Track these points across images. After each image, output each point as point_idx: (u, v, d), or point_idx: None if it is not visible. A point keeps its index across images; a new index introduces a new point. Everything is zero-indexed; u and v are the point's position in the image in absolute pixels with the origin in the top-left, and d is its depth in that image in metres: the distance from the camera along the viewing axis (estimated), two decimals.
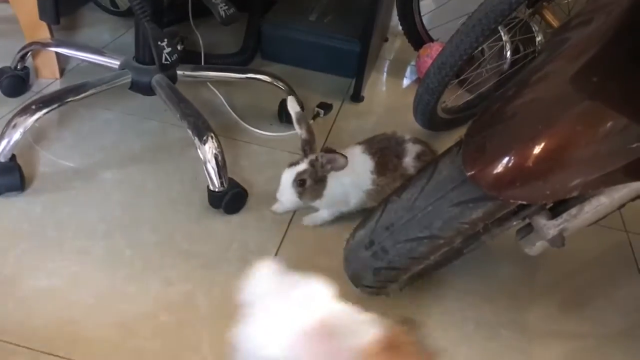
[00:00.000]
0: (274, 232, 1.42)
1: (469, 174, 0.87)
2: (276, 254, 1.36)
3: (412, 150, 1.41)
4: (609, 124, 0.86)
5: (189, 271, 1.27)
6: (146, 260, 1.28)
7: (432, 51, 2.25)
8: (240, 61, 2.12)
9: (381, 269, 1.05)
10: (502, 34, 1.78)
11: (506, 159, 0.85)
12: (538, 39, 1.81)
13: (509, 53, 1.86)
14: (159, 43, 1.33)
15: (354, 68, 2.02)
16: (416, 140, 1.44)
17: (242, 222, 1.43)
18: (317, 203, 1.39)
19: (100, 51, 1.70)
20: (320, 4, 2.34)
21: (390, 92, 2.27)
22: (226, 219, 1.43)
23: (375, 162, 1.37)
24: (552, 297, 1.37)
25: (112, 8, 2.30)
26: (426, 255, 1.00)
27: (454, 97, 1.87)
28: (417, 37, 2.34)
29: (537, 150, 0.84)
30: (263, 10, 2.22)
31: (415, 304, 1.27)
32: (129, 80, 1.56)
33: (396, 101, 2.18)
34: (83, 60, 1.82)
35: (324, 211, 1.44)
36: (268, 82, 1.79)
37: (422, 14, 2.30)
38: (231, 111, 1.85)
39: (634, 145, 0.87)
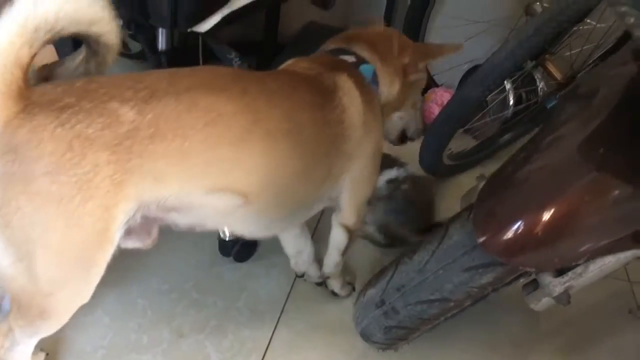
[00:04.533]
0: (284, 280, 1.44)
1: (480, 240, 0.90)
2: (285, 303, 1.38)
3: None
4: (615, 194, 0.89)
5: (200, 321, 1.29)
6: (158, 310, 1.30)
7: (437, 96, 2.28)
8: (259, 53, 2.16)
9: (392, 327, 1.07)
10: (506, 83, 1.83)
11: (516, 226, 0.88)
12: (540, 89, 1.86)
13: (512, 102, 1.90)
14: None
15: None
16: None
17: (251, 270, 1.46)
18: None
19: None
20: None
21: None
22: (236, 267, 1.46)
23: None
24: (555, 343, 1.39)
25: (123, 51, 2.34)
26: (436, 317, 1.02)
27: (458, 144, 1.90)
28: None
29: (546, 218, 0.87)
30: (272, 56, 2.26)
31: (422, 357, 1.29)
32: None
33: None
34: None
35: None
36: None
37: None
38: None
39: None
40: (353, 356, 1.27)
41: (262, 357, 1.26)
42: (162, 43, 1.41)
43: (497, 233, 0.89)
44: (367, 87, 1.15)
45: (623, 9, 0.77)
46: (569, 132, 0.96)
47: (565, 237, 0.88)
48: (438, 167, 1.79)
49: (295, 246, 1.39)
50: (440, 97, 2.30)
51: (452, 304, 1.00)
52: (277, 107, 0.96)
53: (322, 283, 1.43)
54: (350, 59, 1.17)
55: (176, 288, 1.37)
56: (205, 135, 0.86)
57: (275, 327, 1.33)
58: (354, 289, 1.41)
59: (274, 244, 1.50)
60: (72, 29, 0.80)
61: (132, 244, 0.94)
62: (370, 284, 1.13)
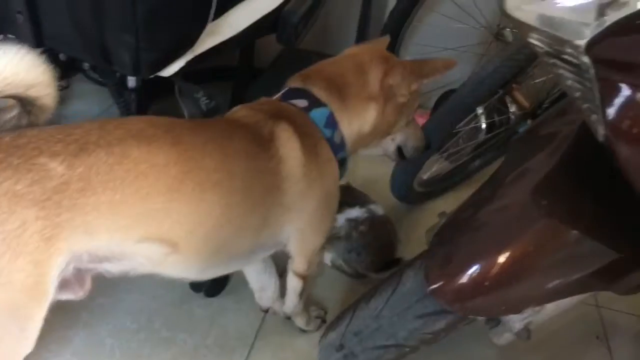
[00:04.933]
0: (254, 315, 1.46)
1: (429, 289, 0.92)
2: (255, 339, 1.39)
3: None
4: (561, 241, 0.91)
5: None
6: (126, 350, 1.31)
7: None
8: (239, 79, 2.16)
9: None
10: (478, 109, 1.85)
11: (463, 276, 0.90)
12: (512, 112, 1.88)
13: (483, 125, 1.93)
14: None
15: None
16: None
17: (221, 305, 1.47)
18: None
19: None
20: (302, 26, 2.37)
21: None
22: (207, 302, 1.47)
23: None
24: None
25: (101, 79, 2.35)
26: None
27: (429, 171, 1.92)
28: None
29: (493, 269, 0.90)
30: (248, 82, 2.27)
31: None
32: None
33: None
34: None
35: None
36: None
37: None
38: None
39: (586, 260, 0.93)
40: None
41: None
42: (131, 81, 1.43)
43: (446, 283, 0.91)
44: (313, 136, 1.12)
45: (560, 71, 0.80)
46: (520, 182, 0.98)
47: (511, 286, 0.90)
48: (409, 195, 1.81)
49: (258, 282, 1.40)
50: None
51: (407, 349, 1.02)
52: (209, 157, 0.97)
53: (290, 317, 1.44)
54: (302, 103, 1.15)
55: (146, 327, 1.38)
56: (136, 187, 0.88)
57: None
58: (324, 321, 1.42)
59: (244, 277, 1.52)
60: (9, 92, 0.82)
61: (65, 295, 0.94)
62: (331, 326, 1.15)
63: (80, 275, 0.95)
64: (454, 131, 1.78)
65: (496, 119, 1.93)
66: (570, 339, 1.54)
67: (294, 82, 1.20)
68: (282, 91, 1.20)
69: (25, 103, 0.88)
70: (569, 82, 0.79)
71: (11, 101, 0.88)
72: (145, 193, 0.89)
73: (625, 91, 0.71)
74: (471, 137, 1.97)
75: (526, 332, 1.13)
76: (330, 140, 1.15)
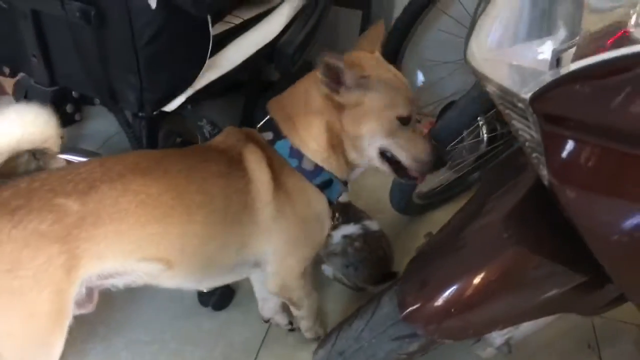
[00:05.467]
0: (259, 327, 1.55)
1: (401, 315, 1.00)
2: (259, 351, 1.49)
3: None
4: (527, 267, 0.98)
5: None
6: None
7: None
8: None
9: None
10: (479, 119, 1.90)
11: (432, 304, 0.98)
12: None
13: (485, 134, 1.97)
14: None
15: None
16: None
17: (228, 318, 1.57)
18: None
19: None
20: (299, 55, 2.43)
21: None
22: (214, 315, 1.57)
23: None
24: None
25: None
26: None
27: (429, 184, 1.98)
28: None
29: (459, 296, 0.97)
30: (258, 94, 2.34)
31: None
32: None
33: None
34: None
35: None
36: None
37: None
38: None
39: (550, 283, 1.00)
40: None
41: None
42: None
43: (417, 309, 0.99)
44: (281, 165, 1.15)
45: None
46: (488, 211, 1.05)
47: (476, 312, 0.98)
48: (409, 207, 1.89)
49: (260, 292, 1.49)
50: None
51: None
52: (193, 182, 1.08)
53: (294, 329, 1.53)
54: (268, 136, 1.17)
55: (157, 339, 1.49)
56: (137, 216, 1.00)
57: None
58: (320, 336, 1.49)
59: (251, 291, 1.61)
60: (25, 148, 0.93)
61: (77, 311, 1.04)
62: (321, 344, 1.23)
63: (90, 292, 1.07)
64: (457, 142, 1.84)
65: (498, 131, 1.98)
66: (562, 347, 1.58)
67: (272, 110, 1.21)
68: (264, 120, 1.22)
69: (34, 151, 1.00)
70: (520, 132, 0.87)
71: None
72: (144, 221, 1.01)
73: (565, 143, 0.78)
74: (473, 149, 2.02)
75: (507, 347, 1.20)
76: (299, 169, 1.16)
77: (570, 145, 0.78)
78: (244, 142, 1.17)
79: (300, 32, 1.55)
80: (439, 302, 0.99)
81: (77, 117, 1.46)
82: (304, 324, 1.47)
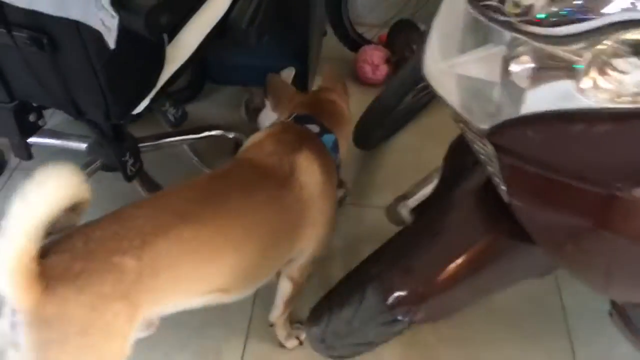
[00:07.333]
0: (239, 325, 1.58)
1: (387, 302, 1.12)
2: (244, 349, 1.53)
3: None
4: (501, 249, 1.09)
5: None
6: None
7: (367, 56, 2.36)
8: (189, 94, 2.24)
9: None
10: None
11: (418, 289, 1.11)
12: None
13: None
14: (122, 159, 1.51)
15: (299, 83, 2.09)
16: None
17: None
18: None
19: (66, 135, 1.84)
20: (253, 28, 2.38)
21: None
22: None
23: None
24: None
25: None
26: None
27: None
28: (350, 39, 2.44)
29: (443, 281, 1.08)
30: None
31: None
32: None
33: None
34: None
35: None
36: (219, 136, 1.97)
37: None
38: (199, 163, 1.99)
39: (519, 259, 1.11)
40: None
41: None
42: None
43: (403, 295, 1.11)
44: (327, 156, 1.30)
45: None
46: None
47: (459, 293, 1.10)
48: None
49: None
50: (371, 56, 2.39)
51: (377, 344, 1.25)
52: (242, 216, 1.13)
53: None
54: (315, 128, 1.32)
55: None
56: (190, 261, 1.05)
57: None
58: (301, 343, 1.53)
59: None
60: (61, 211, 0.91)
61: (141, 335, 1.10)
62: (314, 319, 1.30)
63: (151, 321, 1.14)
64: None
65: None
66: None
67: (304, 109, 1.40)
68: (296, 115, 1.37)
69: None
70: (481, 155, 0.94)
71: None
72: (199, 264, 1.07)
73: (518, 172, 0.86)
74: None
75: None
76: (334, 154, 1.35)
77: (521, 173, 0.86)
78: (296, 149, 1.24)
79: (250, 4, 1.53)
80: (425, 287, 1.10)
81: (40, 122, 1.46)
82: (281, 332, 1.52)
